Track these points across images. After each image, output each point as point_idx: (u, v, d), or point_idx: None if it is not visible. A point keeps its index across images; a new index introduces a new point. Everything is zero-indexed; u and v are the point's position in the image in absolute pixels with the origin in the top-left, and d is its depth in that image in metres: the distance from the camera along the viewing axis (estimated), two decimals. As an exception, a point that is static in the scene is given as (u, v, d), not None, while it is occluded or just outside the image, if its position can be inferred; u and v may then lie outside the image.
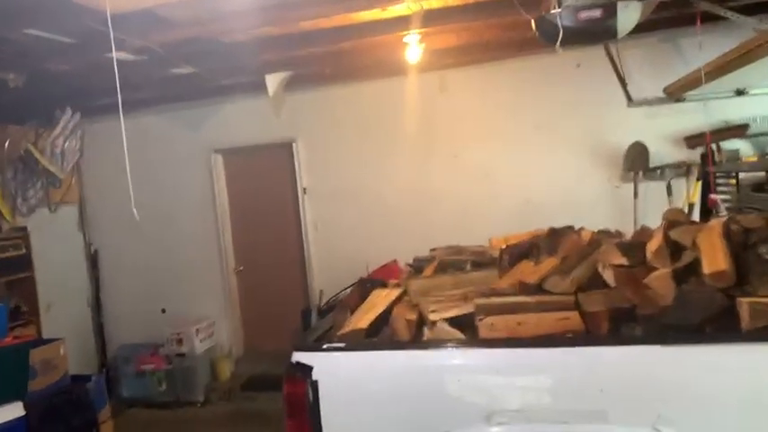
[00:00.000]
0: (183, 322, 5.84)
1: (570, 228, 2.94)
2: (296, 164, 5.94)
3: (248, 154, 6.15)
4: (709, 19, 3.66)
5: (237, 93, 5.73)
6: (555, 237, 2.82)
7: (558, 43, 2.32)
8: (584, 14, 2.19)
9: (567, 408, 1.99)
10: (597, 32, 2.29)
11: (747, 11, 3.45)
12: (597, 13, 2.18)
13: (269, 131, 5.92)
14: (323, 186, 5.91)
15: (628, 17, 2.22)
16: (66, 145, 5.40)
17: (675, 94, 4.39)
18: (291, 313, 5.88)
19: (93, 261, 6.36)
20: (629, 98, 4.50)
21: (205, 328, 5.88)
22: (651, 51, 4.87)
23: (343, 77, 5.55)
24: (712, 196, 2.79)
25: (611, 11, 2.19)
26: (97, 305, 6.35)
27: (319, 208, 5.94)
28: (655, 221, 4.90)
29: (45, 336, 5.09)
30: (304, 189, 5.94)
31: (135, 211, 2.36)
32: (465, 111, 5.52)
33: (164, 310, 6.27)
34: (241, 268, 6.25)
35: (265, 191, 6.16)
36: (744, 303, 1.92)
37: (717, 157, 4.66)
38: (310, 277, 5.98)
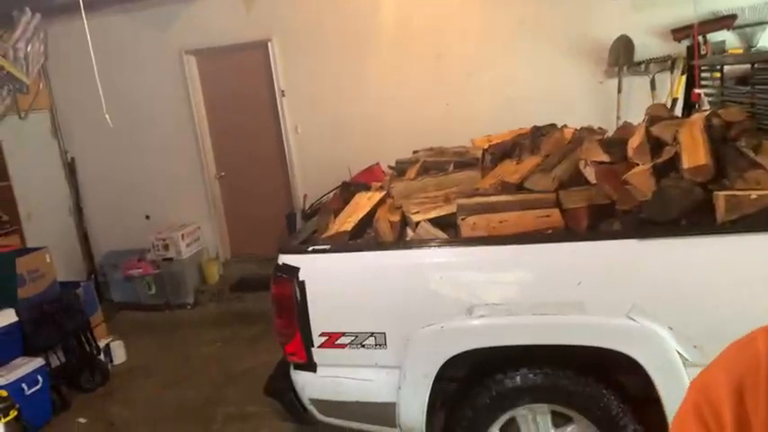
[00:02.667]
0: (168, 228, 5.87)
1: (553, 126, 2.92)
2: (272, 65, 5.73)
3: (222, 54, 5.91)
4: None
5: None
6: (537, 135, 2.81)
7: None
8: None
9: (545, 300, 2.06)
10: None
11: None
12: None
13: (242, 30, 5.65)
14: (302, 88, 5.74)
15: None
16: (29, 48, 5.14)
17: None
18: (276, 217, 5.93)
19: (70, 169, 6.26)
20: (616, -12, 4.33)
21: (190, 233, 5.91)
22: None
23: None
24: (696, 91, 2.76)
25: None
26: (79, 213, 6.32)
27: (299, 111, 5.81)
28: (638, 117, 4.89)
29: (29, 245, 5.09)
30: (282, 91, 5.78)
31: (108, 117, 2.28)
32: (448, 7, 5.30)
33: (147, 217, 6.27)
34: (223, 174, 6.20)
35: (242, 94, 5.98)
36: (720, 196, 1.95)
37: (703, 50, 4.58)
38: (293, 181, 5.96)
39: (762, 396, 0.52)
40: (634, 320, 1.98)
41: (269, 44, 5.68)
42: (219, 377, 4.19)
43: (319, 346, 2.29)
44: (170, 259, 5.74)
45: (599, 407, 2.11)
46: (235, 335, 4.98)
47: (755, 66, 2.47)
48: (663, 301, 1.99)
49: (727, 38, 4.75)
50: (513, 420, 2.26)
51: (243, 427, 3.51)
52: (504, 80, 5.25)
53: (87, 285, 4.73)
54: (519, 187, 2.43)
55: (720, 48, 4.69)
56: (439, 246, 2.24)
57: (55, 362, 4.14)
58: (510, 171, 2.54)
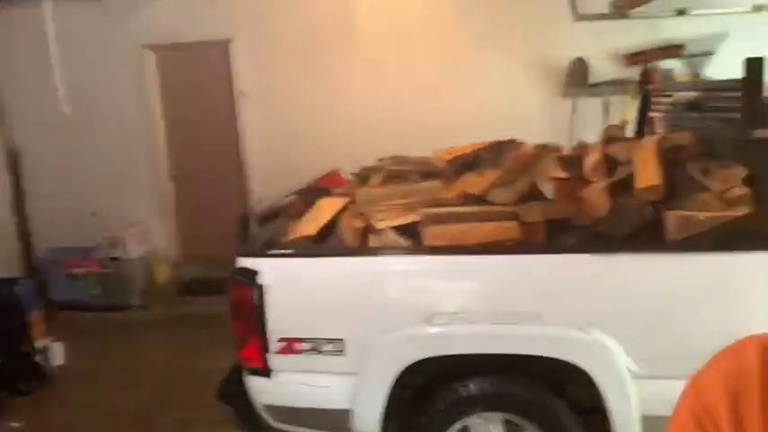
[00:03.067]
0: (117, 226, 5.69)
1: (513, 141, 2.99)
2: (233, 65, 5.66)
3: (182, 52, 5.81)
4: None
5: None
6: (498, 149, 2.87)
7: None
8: None
9: (504, 310, 2.11)
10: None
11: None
12: None
13: (205, 28, 5.58)
14: (262, 90, 5.69)
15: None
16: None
17: (624, 9, 4.41)
18: (229, 220, 5.75)
19: (13, 160, 5.98)
20: (575, 12, 4.49)
21: (140, 232, 5.75)
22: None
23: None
24: (651, 114, 2.89)
25: None
26: (19, 207, 6.04)
27: (258, 112, 5.76)
28: (590, 137, 5.08)
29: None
30: (241, 92, 5.72)
31: (65, 108, 2.21)
32: (412, 18, 5.37)
33: (95, 213, 6.05)
34: (176, 173, 6.06)
35: (201, 93, 5.88)
36: (670, 216, 2.05)
37: (649, 70, 4.81)
38: (249, 184, 5.89)
39: (756, 409, 0.55)
40: (587, 333, 2.04)
41: (230, 44, 5.62)
42: (165, 382, 4.08)
43: (276, 352, 2.27)
44: (117, 259, 5.56)
45: (551, 417, 2.17)
46: (183, 339, 4.86)
47: (704, 94, 2.60)
48: (614, 314, 2.06)
49: (675, 66, 5.00)
50: (466, 429, 2.29)
51: (191, 432, 3.43)
52: (464, 94, 5.36)
53: (26, 283, 4.52)
54: (480, 199, 2.48)
55: (669, 75, 4.92)
56: (402, 253, 2.26)
57: (-11, 362, 3.94)
58: (472, 183, 2.58)
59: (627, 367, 2.04)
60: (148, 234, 5.89)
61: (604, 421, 2.10)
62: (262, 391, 2.34)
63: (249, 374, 2.36)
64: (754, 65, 2.11)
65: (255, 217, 5.67)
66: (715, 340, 2.00)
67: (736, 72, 4.73)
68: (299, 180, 5.46)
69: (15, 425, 3.63)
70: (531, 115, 5.27)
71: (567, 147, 4.56)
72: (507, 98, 5.27)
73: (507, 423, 2.26)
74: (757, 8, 4.47)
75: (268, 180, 5.77)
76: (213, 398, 2.59)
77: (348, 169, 5.11)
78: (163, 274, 5.88)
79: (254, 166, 5.87)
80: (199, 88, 5.87)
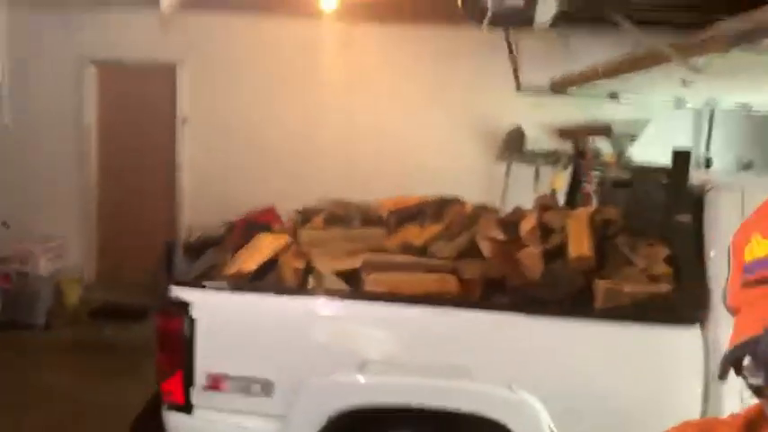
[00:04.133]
0: (30, 239, 5.34)
1: (456, 199, 3.10)
2: (178, 90, 5.58)
3: (126, 71, 5.68)
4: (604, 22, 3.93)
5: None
6: (441, 205, 2.96)
7: (485, 24, 2.43)
8: (510, 2, 2.32)
9: (436, 363, 2.14)
10: (518, 19, 2.43)
11: (646, 22, 3.74)
12: (520, 2, 2.32)
13: (153, 49, 5.49)
14: (205, 118, 5.62)
15: (545, 11, 2.38)
16: None
17: (560, 86, 4.72)
18: (154, 245, 5.56)
19: None
20: (518, 85, 4.76)
21: (54, 247, 5.42)
22: (546, 44, 5.17)
23: (245, 6, 5.25)
24: (587, 188, 3.09)
25: (531, 2, 2.33)
26: None
27: (199, 140, 5.66)
28: (520, 200, 5.31)
29: None
30: (184, 118, 5.62)
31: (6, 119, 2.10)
32: (365, 67, 5.51)
33: (5, 223, 5.67)
34: (103, 190, 5.81)
35: (141, 114, 5.73)
36: (600, 285, 2.17)
37: (582, 147, 5.13)
38: (179, 211, 5.73)
39: None
40: (514, 392, 2.10)
41: (177, 68, 5.54)
42: (68, 412, 3.78)
43: (201, 388, 2.19)
44: (25, 273, 5.20)
45: (472, 474, 2.19)
46: (90, 366, 4.55)
47: (634, 176, 2.81)
48: (541, 374, 2.14)
49: (602, 144, 5.36)
50: (388, 480, 2.27)
51: (87, 471, 3.19)
52: (406, 146, 5.50)
53: None
54: (422, 251, 2.54)
55: (596, 152, 5.26)
56: (340, 297, 2.26)
57: None
58: (414, 235, 2.65)
59: (549, 427, 2.11)
60: (63, 251, 5.56)
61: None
62: (180, 427, 2.24)
63: (168, 409, 2.25)
64: (681, 157, 2.31)
65: (183, 247, 5.53)
66: (632, 405, 2.11)
67: (655, 154, 5.13)
68: (233, 212, 5.38)
69: None
70: (468, 172, 5.47)
71: (502, 208, 4.78)
72: (447, 153, 5.46)
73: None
74: (679, 101, 4.90)
75: (200, 209, 5.64)
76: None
77: (284, 206, 5.11)
78: (74, 294, 5.53)
79: (188, 194, 5.73)
80: (140, 109, 5.72)
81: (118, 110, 5.73)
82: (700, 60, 2.73)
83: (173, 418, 2.24)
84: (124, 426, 2.57)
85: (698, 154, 5.44)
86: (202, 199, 5.68)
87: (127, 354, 4.70)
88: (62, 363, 4.61)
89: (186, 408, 2.21)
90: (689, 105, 4.97)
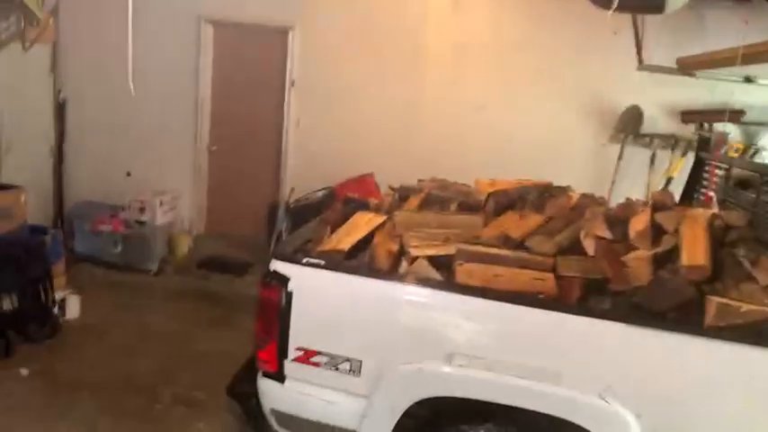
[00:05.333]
0: (148, 190, 5.76)
1: (560, 188, 2.96)
2: (289, 53, 5.69)
3: (241, 31, 5.85)
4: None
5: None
6: (544, 194, 2.84)
7: (612, 9, 2.24)
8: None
9: (525, 363, 2.09)
10: (649, 4, 2.22)
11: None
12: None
13: (268, 11, 5.60)
14: (313, 83, 5.72)
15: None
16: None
17: (690, 67, 4.33)
18: (259, 203, 5.87)
19: (60, 108, 6.08)
20: (640, 61, 4.42)
21: (169, 200, 5.81)
22: (675, 19, 4.74)
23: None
24: (709, 194, 2.84)
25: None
26: (59, 156, 6.14)
27: (305, 104, 5.78)
28: (631, 187, 5.04)
29: (3, 180, 4.93)
30: (292, 81, 5.74)
31: (132, 86, 2.23)
32: (473, 36, 5.34)
33: (129, 173, 6.14)
34: (215, 148, 6.11)
35: (253, 74, 5.92)
36: (712, 302, 2.01)
37: (708, 135, 4.73)
38: (283, 172, 5.93)
39: None
40: (606, 401, 2.02)
41: (290, 32, 5.64)
42: (172, 355, 4.11)
43: (292, 360, 2.27)
44: (143, 222, 5.62)
45: (553, 475, 2.14)
46: (194, 313, 4.90)
47: (764, 177, 2.54)
48: (637, 388, 2.03)
49: (732, 130, 4.90)
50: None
51: (187, 413, 3.45)
52: (511, 121, 5.32)
53: (56, 233, 4.60)
54: (519, 244, 2.46)
55: (723, 139, 4.83)
56: (432, 287, 2.24)
57: (7, 305, 4.00)
58: (512, 225, 2.56)
59: (638, 442, 2.01)
60: (177, 203, 5.95)
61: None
62: (272, 395, 2.35)
63: (263, 377, 2.37)
64: (825, 163, 2.05)
65: (284, 206, 5.74)
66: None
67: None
68: (333, 176, 5.49)
69: (24, 372, 3.69)
70: (578, 152, 5.23)
71: (610, 196, 4.52)
72: (554, 134, 5.23)
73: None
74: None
75: (303, 171, 5.81)
76: (214, 390, 2.61)
77: (382, 174, 5.14)
78: (184, 245, 5.93)
79: (292, 156, 5.90)
80: (252, 69, 5.92)
81: (232, 70, 5.95)
82: None
83: (266, 385, 2.35)
84: (222, 374, 2.75)
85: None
86: (305, 162, 5.84)
87: (228, 305, 5.00)
88: (171, 308, 4.98)
89: (279, 377, 2.32)
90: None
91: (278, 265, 2.29)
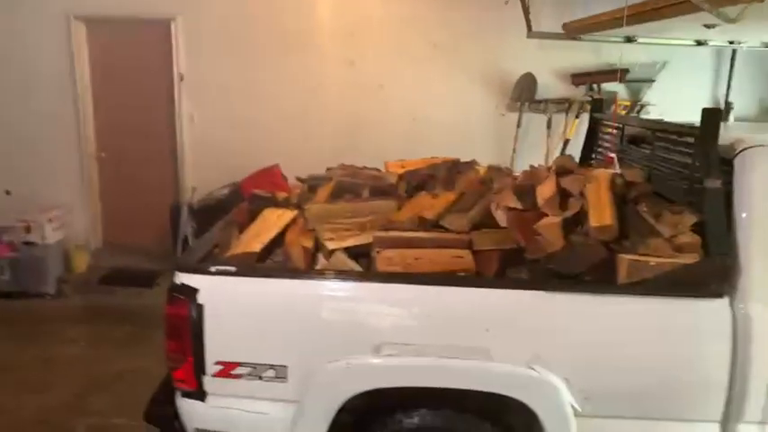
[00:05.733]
0: (33, 208, 5.28)
1: (467, 164, 2.96)
2: (174, 46, 5.36)
3: (118, 27, 5.44)
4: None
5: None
6: (452, 171, 2.83)
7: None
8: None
9: (453, 344, 2.07)
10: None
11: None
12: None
13: (145, 2, 5.23)
14: (204, 75, 5.42)
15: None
16: None
17: (575, 32, 4.47)
18: (158, 208, 5.53)
19: None
20: (529, 28, 4.52)
21: (58, 216, 5.36)
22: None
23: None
24: (611, 155, 2.93)
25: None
26: None
27: (198, 98, 5.48)
28: (533, 152, 5.18)
29: None
30: (181, 75, 5.42)
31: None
32: (364, 14, 5.25)
33: (8, 192, 5.61)
34: (103, 154, 5.69)
35: (136, 72, 5.54)
36: (623, 260, 2.06)
37: (596, 95, 4.93)
38: (182, 172, 5.62)
39: None
40: (535, 370, 2.04)
41: (172, 23, 5.31)
42: (83, 382, 3.81)
43: (212, 375, 2.13)
44: (32, 243, 5.16)
45: (491, 451, 2.16)
46: (102, 334, 4.57)
47: (657, 134, 2.65)
48: (562, 353, 2.07)
49: (618, 89, 5.14)
50: (405, 459, 2.24)
51: (107, 443, 3.22)
52: (412, 98, 5.31)
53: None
54: (435, 224, 2.43)
55: (611, 98, 5.06)
56: (352, 279, 2.17)
57: None
58: (426, 206, 2.53)
59: (571, 405, 2.05)
60: (68, 218, 5.50)
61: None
62: (195, 414, 2.20)
63: (182, 396, 2.21)
64: (711, 115, 2.15)
65: (187, 207, 5.44)
66: (657, 383, 2.04)
67: (673, 101, 4.92)
68: (237, 171, 5.27)
69: None
70: (478, 126, 5.30)
71: (514, 167, 4.63)
72: (456, 107, 5.27)
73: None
74: (700, 43, 4.65)
75: (203, 169, 5.54)
76: (134, 413, 2.42)
77: (288, 164, 4.99)
78: (82, 261, 5.52)
79: (189, 154, 5.60)
80: (135, 67, 5.53)
81: (113, 70, 5.54)
82: (733, 9, 2.51)
83: (186, 405, 2.20)
84: (141, 394, 2.55)
85: (717, 96, 5.23)
86: (205, 159, 5.57)
87: (139, 319, 4.70)
88: (75, 332, 4.62)
89: (199, 395, 2.17)
90: (711, 43, 4.70)
91: (184, 278, 2.13)
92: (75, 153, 5.57)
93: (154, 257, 5.50)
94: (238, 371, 2.12)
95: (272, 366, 2.11)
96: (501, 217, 2.46)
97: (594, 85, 5.05)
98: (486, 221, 2.50)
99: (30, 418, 3.43)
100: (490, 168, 3.07)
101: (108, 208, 5.83)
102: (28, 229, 5.12)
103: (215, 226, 2.80)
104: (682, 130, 2.41)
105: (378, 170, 3.08)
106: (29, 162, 5.55)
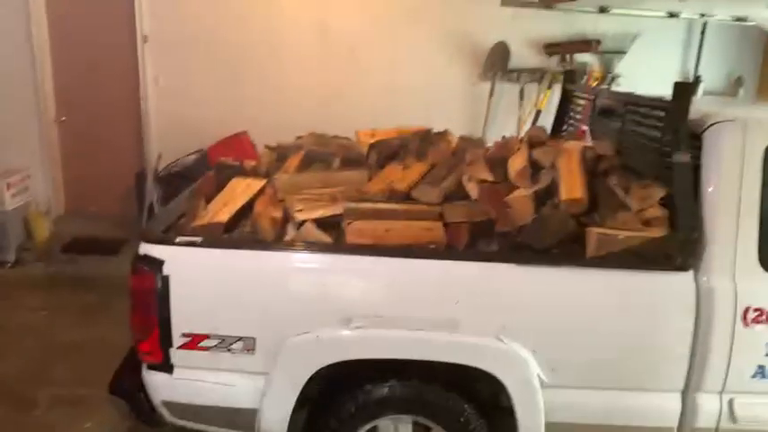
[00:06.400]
0: (-10, 173, 5.09)
1: (440, 134, 2.93)
2: (136, 4, 5.14)
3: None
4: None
5: None
6: (424, 141, 2.80)
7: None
8: None
9: (423, 316, 2.07)
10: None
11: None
12: None
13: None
14: (169, 36, 5.22)
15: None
16: None
17: (548, 1, 4.43)
18: (123, 174, 5.40)
19: None
20: (503, -3, 4.46)
21: (18, 181, 5.17)
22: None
23: None
24: (583, 127, 2.92)
25: None
26: None
27: (163, 60, 5.29)
28: (504, 122, 5.17)
29: None
30: (145, 36, 5.22)
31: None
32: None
33: (-36, 157, 5.37)
34: (63, 118, 5.47)
35: (97, 33, 5.30)
36: (592, 233, 2.07)
37: (567, 67, 4.92)
38: (147, 137, 5.45)
39: None
40: (503, 342, 2.06)
41: (133, -20, 5.09)
42: (45, 352, 3.72)
43: (179, 347, 2.10)
44: (-10, 209, 4.98)
45: (459, 420, 2.18)
46: (64, 302, 4.46)
47: (628, 107, 2.65)
48: (530, 324, 2.09)
49: (590, 60, 5.14)
50: (375, 429, 2.26)
51: (72, 413, 3.15)
52: (384, 66, 5.22)
53: None
54: (406, 195, 2.40)
55: (583, 69, 5.06)
56: (322, 251, 2.14)
57: None
58: (397, 177, 2.50)
59: (538, 375, 2.08)
60: (28, 184, 5.31)
61: (509, 420, 2.15)
62: (161, 387, 2.17)
63: (148, 369, 2.17)
64: (682, 89, 2.15)
65: (153, 174, 5.31)
66: (622, 355, 2.07)
67: (643, 73, 4.94)
68: (203, 137, 5.14)
69: None
70: (450, 93, 5.25)
71: (485, 138, 4.61)
72: (427, 73, 5.21)
73: (416, 424, 2.25)
74: (672, 15, 4.65)
75: (169, 135, 5.39)
76: (98, 383, 2.38)
77: (256, 130, 4.88)
78: (43, 229, 5.34)
79: (155, 118, 5.43)
80: (96, 27, 5.29)
81: (72, 32, 5.30)
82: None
83: (152, 378, 2.17)
84: (104, 363, 2.50)
85: (686, 70, 5.27)
86: (171, 124, 5.41)
87: (103, 288, 4.59)
88: (36, 301, 4.50)
89: (166, 367, 2.14)
90: (683, 16, 4.71)
91: (148, 248, 2.07)
92: (33, 116, 5.34)
93: (119, 225, 5.37)
94: (206, 343, 2.09)
95: (240, 338, 2.09)
96: (473, 189, 2.45)
97: (567, 56, 5.03)
98: (458, 193, 2.49)
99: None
100: (462, 139, 3.05)
101: (70, 174, 5.64)
102: (-15, 195, 4.93)
103: (181, 194, 2.73)
104: (653, 103, 2.41)
105: (348, 139, 3.03)
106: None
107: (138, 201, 5.18)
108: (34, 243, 5.26)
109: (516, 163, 2.50)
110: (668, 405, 2.13)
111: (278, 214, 2.29)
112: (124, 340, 2.55)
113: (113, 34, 5.29)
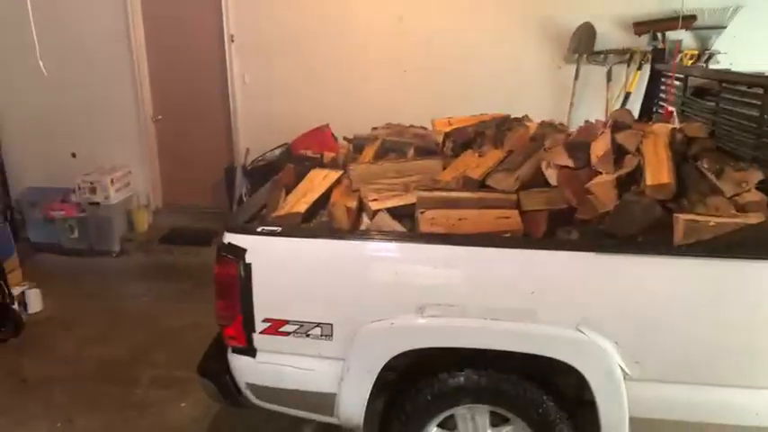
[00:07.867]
0: (97, 170, 5.50)
1: (517, 120, 2.86)
2: (223, 5, 5.36)
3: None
4: None
5: None
6: (501, 128, 2.74)
7: None
8: None
9: (498, 306, 2.04)
10: None
11: None
12: None
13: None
14: (254, 36, 5.41)
15: None
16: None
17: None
18: (214, 169, 5.68)
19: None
20: (587, -25, 4.26)
21: (121, 177, 5.56)
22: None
23: None
24: (670, 108, 2.76)
25: None
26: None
27: (249, 59, 5.49)
28: (591, 105, 4.96)
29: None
30: (231, 36, 5.44)
31: (41, 63, 2.02)
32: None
33: (74, 155, 5.85)
34: (160, 117, 5.82)
35: (188, 34, 5.58)
36: (680, 220, 1.95)
37: (660, 45, 4.64)
38: (236, 133, 5.69)
39: None
40: (583, 333, 1.99)
41: (222, -18, 5.31)
42: (146, 336, 4.00)
43: (261, 332, 2.19)
44: (97, 203, 5.39)
45: (538, 411, 2.14)
46: (162, 290, 4.77)
47: (723, 85, 2.47)
48: (612, 315, 2.00)
49: (684, 37, 4.82)
50: (451, 416, 2.26)
51: (168, 394, 3.37)
52: (462, 52, 5.13)
53: (2, 232, 4.36)
54: (480, 184, 2.37)
55: (675, 47, 4.75)
56: (396, 240, 2.16)
57: (-38, 309, 3.83)
58: (472, 165, 2.47)
59: (621, 369, 2.00)
60: (129, 179, 5.71)
61: (592, 414, 2.08)
62: (245, 370, 2.28)
63: (233, 352, 2.28)
64: (783, 63, 1.98)
65: (241, 168, 5.54)
66: (711, 349, 1.95)
67: (745, 49, 4.57)
68: (288, 132, 5.29)
69: (-11, 374, 3.57)
70: (533, 79, 5.10)
71: (570, 120, 4.45)
72: (509, 60, 5.08)
73: (493, 414, 2.23)
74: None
75: (256, 130, 5.60)
76: (194, 366, 2.52)
77: (339, 122, 4.97)
78: (144, 221, 5.73)
79: (242, 115, 5.66)
80: (187, 29, 5.57)
81: (166, 33, 5.61)
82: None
83: (237, 361, 2.28)
84: (199, 347, 2.65)
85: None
86: (257, 120, 5.62)
87: (197, 277, 4.87)
88: (138, 288, 4.84)
89: (249, 351, 2.24)
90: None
91: (231, 238, 2.17)
92: (133, 116, 5.73)
93: (211, 217, 5.66)
94: (286, 328, 2.17)
95: (318, 324, 2.15)
96: (551, 175, 2.38)
97: (659, 34, 4.74)
98: (536, 180, 2.42)
99: (95, 367, 3.64)
100: (542, 124, 2.96)
101: (166, 170, 6.00)
102: (93, 190, 5.34)
103: (263, 187, 2.84)
104: (750, 80, 2.24)
105: (424, 128, 3.02)
106: (91, 125, 5.75)
107: (228, 194, 5.43)
108: (136, 235, 5.65)
109: (598, 147, 2.40)
110: (764, 403, 1.98)
111: (353, 204, 2.33)
112: (216, 325, 2.70)
113: (202, 35, 5.54)
